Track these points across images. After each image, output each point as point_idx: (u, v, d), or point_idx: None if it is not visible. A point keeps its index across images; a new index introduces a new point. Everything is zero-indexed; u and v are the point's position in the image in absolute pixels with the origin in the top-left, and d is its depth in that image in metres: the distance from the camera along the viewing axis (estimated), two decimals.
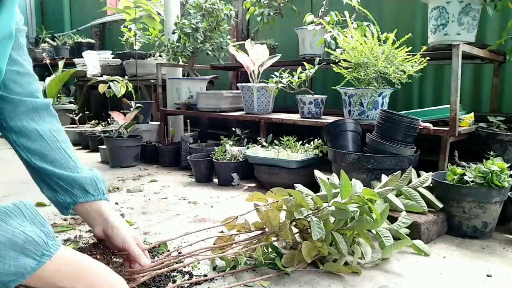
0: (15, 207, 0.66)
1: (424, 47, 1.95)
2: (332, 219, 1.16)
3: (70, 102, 4.56)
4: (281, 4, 2.92)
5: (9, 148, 1.02)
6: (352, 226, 1.16)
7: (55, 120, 1.02)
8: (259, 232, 1.23)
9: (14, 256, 0.62)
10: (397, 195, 1.50)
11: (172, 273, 1.14)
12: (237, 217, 1.24)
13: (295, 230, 1.23)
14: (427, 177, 1.57)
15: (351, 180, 1.18)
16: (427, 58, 1.96)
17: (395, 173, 1.43)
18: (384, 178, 1.48)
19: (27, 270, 0.64)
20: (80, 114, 4.01)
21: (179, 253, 1.25)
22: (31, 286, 0.70)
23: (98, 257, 0.95)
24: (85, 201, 0.99)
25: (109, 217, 1.00)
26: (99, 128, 3.60)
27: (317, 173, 1.52)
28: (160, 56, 3.69)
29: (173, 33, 3.05)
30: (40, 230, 0.67)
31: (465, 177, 1.50)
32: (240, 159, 2.26)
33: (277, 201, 1.19)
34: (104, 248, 1.01)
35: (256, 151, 2.23)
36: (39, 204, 1.83)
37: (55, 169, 0.96)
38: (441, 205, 1.49)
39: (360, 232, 1.19)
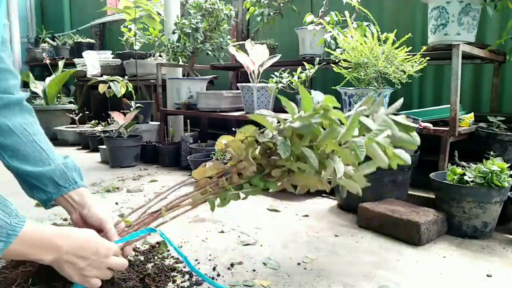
0: None
1: (424, 47, 1.95)
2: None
3: (70, 102, 4.56)
4: (281, 4, 2.92)
5: None
6: (320, 140, 1.04)
7: (28, 113, 1.00)
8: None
9: None
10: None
11: (172, 273, 1.14)
12: (205, 164, 1.19)
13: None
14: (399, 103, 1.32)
15: None
16: (427, 58, 1.96)
17: (367, 96, 1.26)
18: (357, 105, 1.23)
19: None
20: (80, 114, 4.02)
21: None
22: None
23: None
24: (59, 196, 0.99)
25: (84, 198, 1.01)
26: (99, 128, 3.60)
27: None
28: (160, 56, 3.69)
29: (173, 33, 3.05)
30: (2, 211, 0.70)
31: (465, 177, 1.50)
32: None
33: (246, 138, 1.11)
34: None
35: None
36: (39, 204, 1.83)
37: (27, 167, 0.95)
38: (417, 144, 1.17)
39: (331, 145, 1.07)
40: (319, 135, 1.05)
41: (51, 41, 5.58)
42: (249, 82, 2.66)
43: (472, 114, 1.99)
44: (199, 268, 1.20)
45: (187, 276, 1.13)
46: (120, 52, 4.08)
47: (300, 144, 1.06)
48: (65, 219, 1.63)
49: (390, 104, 2.24)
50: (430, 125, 1.87)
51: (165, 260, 1.24)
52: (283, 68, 2.58)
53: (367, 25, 2.26)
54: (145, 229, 0.99)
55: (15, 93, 0.97)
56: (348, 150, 1.06)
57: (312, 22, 2.61)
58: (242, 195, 1.11)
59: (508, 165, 1.48)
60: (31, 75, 4.47)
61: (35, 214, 1.71)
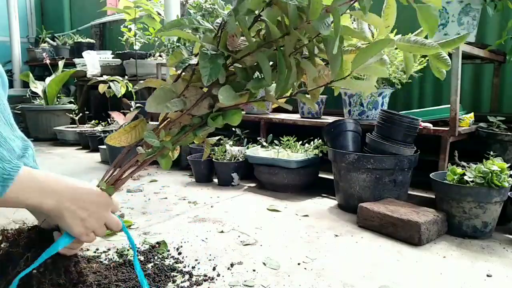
0: None
1: None
2: None
3: (70, 102, 4.56)
4: None
5: None
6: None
7: None
8: None
9: None
10: None
11: (172, 273, 1.14)
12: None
13: None
14: None
15: None
16: (427, 58, 1.96)
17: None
18: None
19: None
20: (80, 114, 4.01)
21: (178, 251, 1.24)
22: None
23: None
24: None
25: None
26: (99, 128, 3.59)
27: None
28: (160, 56, 3.69)
29: None
30: None
31: (465, 177, 1.50)
32: (240, 159, 2.26)
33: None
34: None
35: (256, 151, 2.23)
36: None
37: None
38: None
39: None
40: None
41: (51, 41, 5.58)
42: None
43: (472, 114, 1.99)
44: (198, 269, 1.20)
45: (187, 276, 1.13)
46: (120, 52, 4.08)
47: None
48: None
49: (390, 104, 2.25)
50: (430, 125, 1.87)
51: (165, 260, 1.24)
52: None
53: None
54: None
55: None
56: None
57: None
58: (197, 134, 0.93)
59: (508, 165, 1.48)
60: (31, 75, 4.46)
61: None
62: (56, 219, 0.79)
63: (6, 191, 0.68)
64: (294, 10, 0.77)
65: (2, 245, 0.86)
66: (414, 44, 0.90)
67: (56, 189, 0.76)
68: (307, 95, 0.95)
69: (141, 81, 0.96)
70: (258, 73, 0.89)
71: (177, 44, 3.00)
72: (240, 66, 0.87)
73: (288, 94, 0.90)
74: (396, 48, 1.95)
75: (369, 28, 1.00)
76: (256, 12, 0.81)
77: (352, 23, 0.99)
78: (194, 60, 0.86)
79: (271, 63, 0.85)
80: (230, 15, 0.77)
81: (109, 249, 1.31)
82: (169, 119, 0.91)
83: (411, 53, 0.92)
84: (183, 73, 0.89)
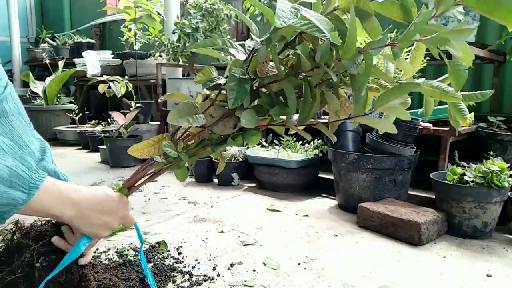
0: None
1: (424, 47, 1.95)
2: None
3: (70, 102, 4.56)
4: None
5: None
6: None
7: (2, 119, 0.93)
8: None
9: (3, 189, 0.66)
10: None
11: (172, 273, 1.14)
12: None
13: None
14: None
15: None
16: (427, 58, 1.96)
17: None
18: None
19: (18, 202, 0.68)
20: (80, 114, 4.01)
21: (178, 251, 1.24)
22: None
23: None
24: None
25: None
26: (99, 128, 3.60)
27: None
28: (160, 56, 3.69)
29: (173, 33, 3.05)
30: (22, 165, 0.70)
31: (465, 177, 1.50)
32: (240, 159, 2.26)
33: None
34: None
35: (256, 151, 2.23)
36: None
37: None
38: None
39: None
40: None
41: (51, 41, 5.58)
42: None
43: (472, 114, 1.99)
44: (198, 269, 1.20)
45: (187, 276, 1.13)
46: (120, 52, 4.08)
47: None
48: None
49: None
50: (430, 125, 1.87)
51: (165, 260, 1.24)
52: None
53: None
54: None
55: None
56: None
57: None
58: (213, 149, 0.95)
59: (508, 165, 1.48)
60: (31, 75, 4.46)
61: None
62: (77, 227, 0.82)
63: (31, 199, 0.70)
64: (327, 47, 0.78)
65: (15, 236, 0.90)
66: (437, 90, 0.92)
67: (76, 199, 0.79)
68: (326, 125, 0.97)
69: (167, 94, 0.96)
70: (282, 99, 0.90)
71: (177, 44, 3.00)
72: (265, 91, 0.89)
73: (308, 122, 0.91)
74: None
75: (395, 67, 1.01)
76: (288, 40, 0.82)
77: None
78: (222, 80, 0.88)
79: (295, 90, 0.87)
80: (263, 44, 0.78)
81: (109, 249, 1.31)
82: (188, 132, 0.93)
83: (432, 98, 0.94)
84: (210, 92, 0.92)
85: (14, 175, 0.68)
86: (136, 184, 0.93)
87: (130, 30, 3.63)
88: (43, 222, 0.92)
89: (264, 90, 0.89)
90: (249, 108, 0.85)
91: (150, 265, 1.19)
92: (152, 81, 3.67)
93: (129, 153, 0.92)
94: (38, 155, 0.94)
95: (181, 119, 0.85)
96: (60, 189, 0.76)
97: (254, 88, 0.88)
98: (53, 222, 0.93)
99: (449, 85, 0.94)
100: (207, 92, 0.93)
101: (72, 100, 4.65)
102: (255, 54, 0.82)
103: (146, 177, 0.94)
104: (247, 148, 2.32)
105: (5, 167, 0.67)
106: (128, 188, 0.92)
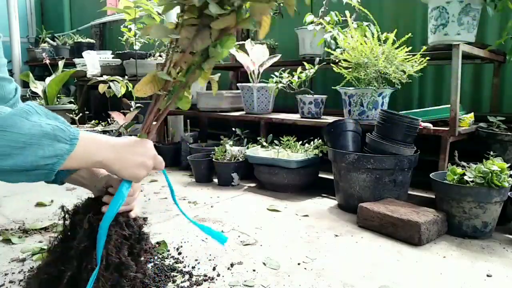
0: (30, 107, 0.76)
1: (424, 47, 1.95)
2: None
3: (70, 102, 4.55)
4: (281, 4, 2.92)
5: None
6: None
7: None
8: None
9: (49, 143, 0.73)
10: None
11: (172, 273, 1.14)
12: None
13: None
14: None
15: None
16: (427, 58, 1.96)
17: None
18: None
19: (64, 151, 0.75)
20: (80, 114, 4.01)
21: (178, 251, 1.24)
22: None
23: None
24: (65, 178, 1.03)
25: (93, 171, 1.05)
26: (99, 128, 3.59)
27: None
28: (160, 56, 3.69)
29: None
30: (60, 123, 0.77)
31: (465, 177, 1.50)
32: (240, 159, 2.26)
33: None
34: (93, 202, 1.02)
35: (256, 151, 2.23)
36: (39, 204, 1.83)
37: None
38: None
39: None
40: None
41: (51, 41, 5.58)
42: (249, 82, 2.66)
43: (472, 114, 1.99)
44: (198, 269, 1.20)
45: (187, 276, 1.13)
46: (120, 52, 4.08)
47: None
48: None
49: (390, 104, 2.25)
50: (430, 125, 1.87)
51: (165, 260, 1.24)
52: (283, 68, 2.58)
53: (367, 25, 2.26)
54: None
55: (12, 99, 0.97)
56: None
57: (312, 22, 2.61)
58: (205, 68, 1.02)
59: (508, 165, 1.48)
60: (31, 75, 4.45)
61: (35, 214, 1.71)
62: (117, 170, 0.86)
63: (74, 149, 0.76)
64: None
65: (65, 220, 0.98)
66: None
67: (112, 143, 0.85)
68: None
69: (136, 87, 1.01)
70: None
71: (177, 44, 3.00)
72: None
73: None
74: (396, 48, 1.95)
75: None
76: None
77: None
78: None
79: None
80: None
81: None
82: (175, 61, 0.99)
83: None
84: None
85: (57, 129, 0.75)
86: (151, 129, 0.99)
87: (130, 30, 3.63)
88: (83, 200, 1.00)
89: None
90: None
91: (150, 265, 1.19)
92: None
93: (135, 95, 1.00)
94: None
95: (161, 35, 0.94)
96: (95, 137, 0.83)
97: None
98: (92, 197, 1.01)
99: None
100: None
101: (72, 100, 4.65)
102: None
103: (156, 116, 1.00)
104: (247, 148, 2.32)
105: (48, 125, 0.74)
106: (147, 133, 0.98)
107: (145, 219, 1.05)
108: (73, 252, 0.90)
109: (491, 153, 1.65)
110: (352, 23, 2.19)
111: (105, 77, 3.17)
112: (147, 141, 0.94)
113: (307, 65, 2.38)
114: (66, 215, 0.98)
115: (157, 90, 0.97)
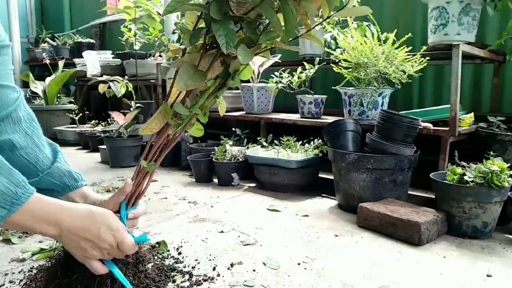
0: None
1: (424, 47, 1.95)
2: None
3: (70, 102, 4.56)
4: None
5: None
6: None
7: (17, 125, 0.97)
8: None
9: None
10: None
11: (172, 273, 1.14)
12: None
13: None
14: None
15: None
16: (427, 58, 1.96)
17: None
18: None
19: None
20: (80, 114, 4.01)
21: (178, 251, 1.24)
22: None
23: None
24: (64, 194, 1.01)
25: (92, 195, 1.04)
26: (99, 128, 3.60)
27: None
28: (160, 56, 3.69)
29: (173, 33, 3.05)
30: (8, 180, 0.71)
31: (465, 177, 1.50)
32: (240, 159, 2.26)
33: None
34: None
35: (256, 151, 2.23)
36: None
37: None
38: None
39: None
40: None
41: (51, 41, 5.58)
42: (249, 82, 2.66)
43: (472, 114, 1.99)
44: (198, 269, 1.20)
45: (187, 276, 1.13)
46: (120, 52, 4.08)
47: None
48: None
49: (390, 104, 2.25)
50: (430, 125, 1.87)
51: (165, 260, 1.24)
52: (283, 68, 2.58)
53: (367, 25, 2.27)
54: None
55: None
56: None
57: None
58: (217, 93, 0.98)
59: (508, 165, 1.48)
60: (31, 75, 4.46)
61: None
62: (63, 244, 0.82)
63: (10, 215, 0.71)
64: None
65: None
66: None
67: (59, 219, 0.78)
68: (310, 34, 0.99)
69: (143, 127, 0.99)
70: (262, 26, 0.92)
71: (177, 44, 3.00)
72: (246, 21, 0.90)
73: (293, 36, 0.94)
74: (396, 48, 1.95)
75: None
76: None
77: None
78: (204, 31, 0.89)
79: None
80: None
81: None
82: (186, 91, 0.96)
83: None
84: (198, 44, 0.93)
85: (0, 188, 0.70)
86: (161, 155, 0.97)
87: (130, 30, 3.63)
88: None
89: (245, 21, 0.91)
90: (238, 44, 0.85)
91: (150, 265, 1.19)
92: (152, 81, 3.67)
93: (141, 134, 0.95)
94: (51, 158, 0.99)
95: (190, 82, 0.87)
96: (43, 207, 0.76)
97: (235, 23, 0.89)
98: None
99: None
100: (179, 46, 0.97)
101: (72, 100, 4.65)
102: None
103: (165, 142, 0.97)
104: (247, 148, 2.32)
105: None
106: (155, 160, 0.95)
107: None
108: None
109: (491, 153, 1.65)
110: (352, 23, 2.19)
111: (105, 77, 3.17)
112: (107, 217, 0.84)
113: (307, 65, 2.38)
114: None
115: (163, 124, 0.94)
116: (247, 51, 0.85)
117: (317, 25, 0.99)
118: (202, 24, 0.91)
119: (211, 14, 0.82)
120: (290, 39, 0.91)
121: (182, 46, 0.99)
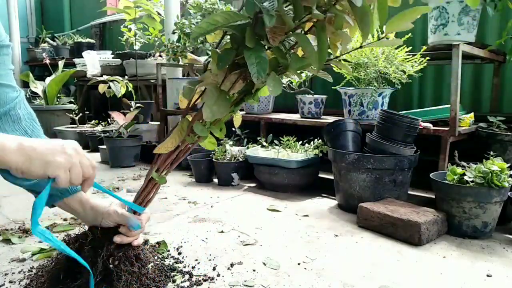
0: None
1: (424, 47, 1.95)
2: None
3: (70, 102, 4.56)
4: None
5: None
6: None
7: (17, 124, 0.98)
8: None
9: None
10: None
11: (172, 273, 1.14)
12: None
13: None
14: None
15: None
16: (427, 58, 1.96)
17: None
18: None
19: None
20: (80, 114, 4.01)
21: (178, 251, 1.25)
22: None
23: (86, 247, 0.99)
24: (58, 202, 1.01)
25: (90, 201, 1.04)
26: (99, 128, 3.59)
27: None
28: (160, 56, 3.69)
29: (173, 33, 3.05)
30: None
31: (465, 177, 1.50)
32: (240, 159, 2.26)
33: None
34: (94, 234, 1.02)
35: (256, 151, 2.23)
36: None
37: (23, 182, 0.95)
38: None
39: None
40: None
41: (51, 41, 5.58)
42: None
43: (472, 114, 1.99)
44: (198, 269, 1.20)
45: (187, 276, 1.13)
46: (120, 52, 4.08)
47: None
48: (65, 219, 1.63)
49: (390, 104, 2.25)
50: (430, 125, 1.87)
51: (165, 260, 1.24)
52: None
53: None
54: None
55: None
56: None
57: None
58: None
59: (508, 165, 1.48)
60: (31, 75, 4.46)
61: None
62: (27, 168, 0.75)
63: None
64: None
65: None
66: None
67: (19, 140, 0.74)
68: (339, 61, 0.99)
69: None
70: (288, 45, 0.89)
71: (177, 44, 3.00)
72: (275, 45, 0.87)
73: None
74: (396, 48, 1.95)
75: None
76: None
77: None
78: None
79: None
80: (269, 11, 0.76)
81: None
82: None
83: None
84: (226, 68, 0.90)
85: None
86: (170, 166, 0.97)
87: (130, 30, 3.63)
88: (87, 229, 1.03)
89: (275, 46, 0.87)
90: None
91: (150, 265, 1.19)
92: (152, 81, 3.67)
93: (155, 152, 0.96)
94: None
95: (215, 110, 0.85)
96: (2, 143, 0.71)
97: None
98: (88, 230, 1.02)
99: None
100: (193, 56, 0.99)
101: (72, 100, 4.65)
102: (260, 15, 0.77)
103: (173, 157, 0.97)
104: (247, 148, 2.31)
105: None
106: (165, 173, 0.96)
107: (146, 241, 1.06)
108: None
109: (491, 153, 1.65)
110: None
111: (105, 77, 3.17)
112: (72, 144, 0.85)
113: None
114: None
115: (179, 142, 0.93)
116: (277, 80, 0.82)
117: (348, 52, 0.97)
118: (226, 40, 0.87)
119: (246, 43, 0.78)
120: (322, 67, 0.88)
121: (200, 59, 0.98)
